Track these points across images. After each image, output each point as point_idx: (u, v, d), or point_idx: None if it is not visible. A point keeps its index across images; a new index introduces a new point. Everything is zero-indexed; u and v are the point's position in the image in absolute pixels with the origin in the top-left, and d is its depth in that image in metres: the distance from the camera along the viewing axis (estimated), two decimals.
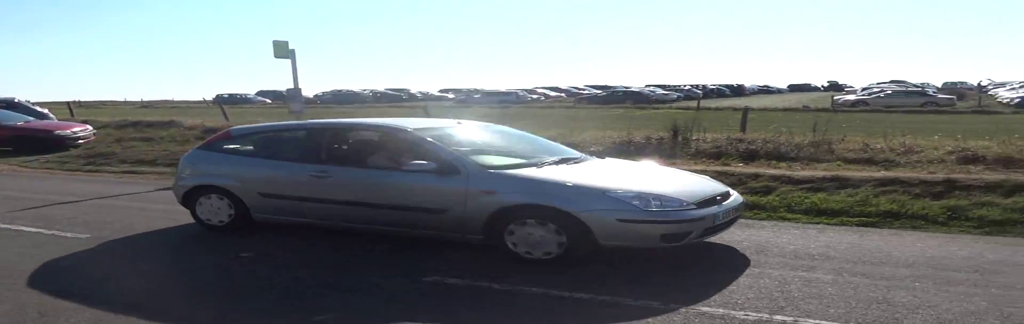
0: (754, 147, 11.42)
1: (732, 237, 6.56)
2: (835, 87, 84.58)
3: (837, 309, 4.49)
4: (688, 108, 35.99)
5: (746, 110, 15.21)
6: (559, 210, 5.35)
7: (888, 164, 10.13)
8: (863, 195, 8.07)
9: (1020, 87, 50.25)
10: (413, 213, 5.93)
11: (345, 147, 6.82)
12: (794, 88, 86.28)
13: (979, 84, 65.39)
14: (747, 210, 7.93)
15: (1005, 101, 40.20)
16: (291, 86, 12.62)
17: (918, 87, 51.74)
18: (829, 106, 37.78)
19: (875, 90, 47.07)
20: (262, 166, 6.80)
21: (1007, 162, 9.82)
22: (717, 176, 9.13)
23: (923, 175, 8.71)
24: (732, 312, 4.46)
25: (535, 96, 58.40)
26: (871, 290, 4.89)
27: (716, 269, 5.55)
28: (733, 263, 5.71)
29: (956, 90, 54.03)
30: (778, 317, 4.36)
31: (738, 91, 68.40)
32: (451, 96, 65.17)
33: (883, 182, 8.46)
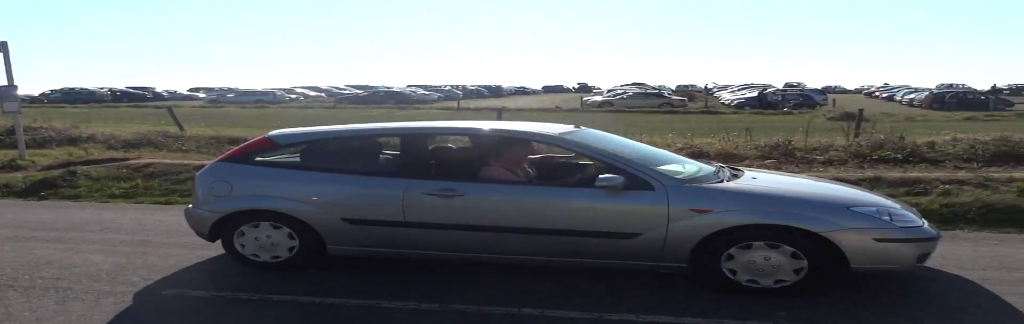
0: None
1: None
2: (584, 89, 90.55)
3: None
4: (449, 108, 36.72)
5: (501, 111, 15.77)
6: (801, 230, 4.47)
7: None
8: None
9: (739, 90, 56.76)
10: (589, 239, 4.79)
11: (462, 158, 5.66)
12: (548, 89, 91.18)
13: (706, 87, 72.86)
14: None
15: (727, 102, 45.27)
16: (3, 82, 11.22)
17: (656, 89, 56.60)
18: (579, 106, 40.33)
19: (619, 92, 50.84)
20: (346, 183, 5.24)
21: (726, 157, 11.02)
22: None
23: None
24: None
25: (293, 96, 56.68)
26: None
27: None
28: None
29: (687, 92, 59.82)
30: None
31: (496, 92, 71.00)
32: (202, 95, 61.49)
33: None
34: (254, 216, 5.33)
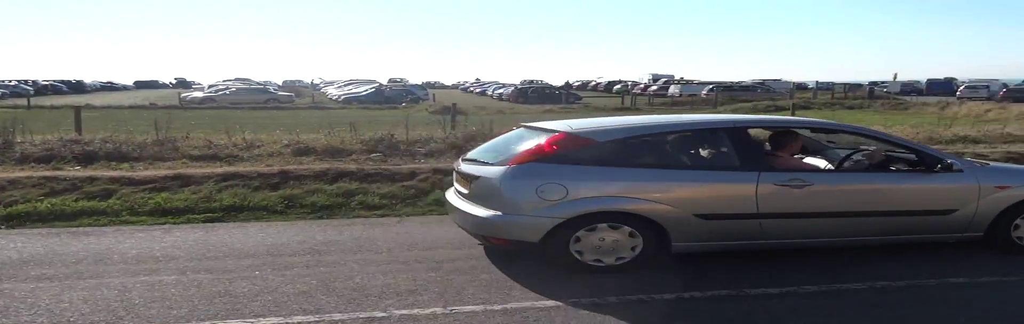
0: (92, 148, 10.58)
1: (67, 249, 5.97)
2: (183, 84, 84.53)
3: (180, 310, 4.42)
4: (17, 106, 31.64)
5: (78, 109, 14.04)
6: None
7: (232, 159, 10.48)
8: (207, 191, 8.17)
9: (345, 85, 57.58)
10: (918, 217, 5.49)
11: (837, 147, 6.56)
12: (141, 85, 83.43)
13: (313, 82, 72.73)
14: (87, 217, 7.33)
15: (334, 97, 45.66)
16: None
17: (261, 85, 54.99)
18: (177, 103, 37.48)
19: (221, 87, 48.41)
20: (695, 179, 5.22)
21: (333, 152, 11.09)
22: (45, 182, 8.22)
23: (261, 168, 9.24)
24: None
25: None
26: (214, 285, 4.96)
27: (21, 289, 4.94)
28: (59, 278, 5.15)
29: (294, 88, 59.13)
30: None
31: (78, 88, 63.00)
32: None
33: (225, 177, 8.69)
34: (592, 219, 5.04)
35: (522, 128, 6.14)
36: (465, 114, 20.90)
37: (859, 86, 56.12)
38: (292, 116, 26.94)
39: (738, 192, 5.19)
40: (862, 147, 6.25)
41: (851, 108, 35.99)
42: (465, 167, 5.73)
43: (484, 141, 6.94)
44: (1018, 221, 5.66)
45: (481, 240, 5.58)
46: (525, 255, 5.55)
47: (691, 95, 47.17)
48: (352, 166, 9.50)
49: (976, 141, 13.48)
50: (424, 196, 8.39)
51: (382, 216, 7.67)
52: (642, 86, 62.72)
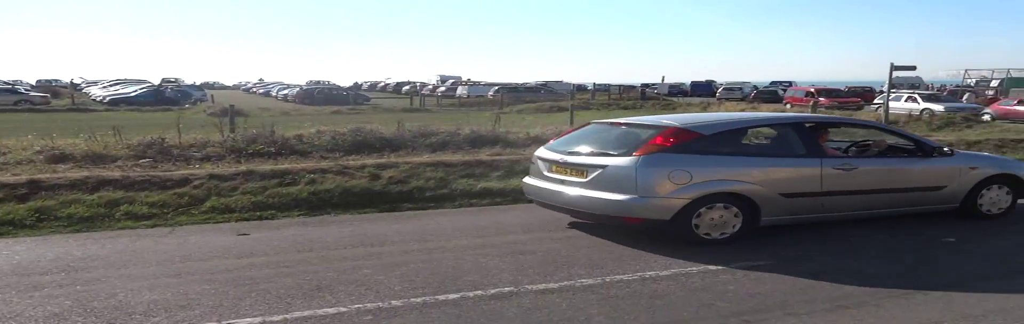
0: None
1: None
2: None
3: None
4: None
5: None
6: (1015, 176, 7.48)
7: None
8: None
9: (111, 85, 52.98)
10: (921, 193, 7.02)
11: (834, 140, 8.04)
12: None
13: (72, 82, 66.20)
14: None
15: (98, 99, 41.83)
16: None
17: (9, 84, 49.22)
18: None
19: None
20: (778, 165, 6.45)
21: (95, 158, 10.16)
22: None
23: (6, 178, 8.26)
24: None
25: None
26: None
27: None
28: None
29: (50, 88, 53.53)
30: None
31: None
32: None
33: None
34: (710, 199, 6.05)
35: (601, 124, 7.32)
36: (246, 116, 19.97)
37: (632, 87, 60.02)
38: (47, 119, 24.41)
39: (808, 174, 6.46)
40: (863, 140, 8.06)
41: (626, 108, 38.43)
42: (576, 159, 6.54)
43: (271, 144, 6.65)
44: (982, 193, 7.35)
45: (603, 220, 6.49)
46: (310, 262, 5.41)
47: (478, 96, 48.16)
48: (116, 173, 8.74)
49: None
50: (200, 203, 7.90)
51: (152, 227, 7.12)
52: (430, 87, 63.19)
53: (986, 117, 26.03)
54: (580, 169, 6.42)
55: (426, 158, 10.48)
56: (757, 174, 6.25)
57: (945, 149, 7.23)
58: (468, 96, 49.93)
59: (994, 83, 44.23)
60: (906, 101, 31.04)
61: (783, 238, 6.45)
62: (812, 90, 38.48)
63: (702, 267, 5.49)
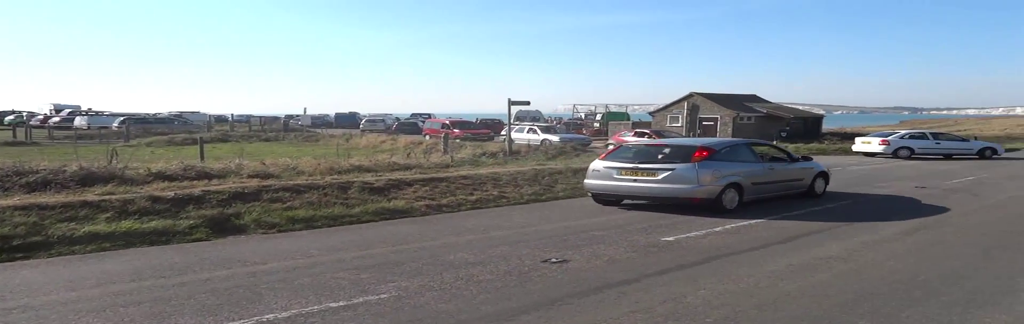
0: None
1: None
2: None
3: None
4: None
5: None
6: (826, 173, 13.42)
7: None
8: None
9: None
10: (795, 181, 12.50)
11: (770, 153, 12.99)
12: None
13: None
14: None
15: None
16: None
17: None
18: None
19: None
20: (751, 167, 11.45)
21: None
22: None
23: None
24: None
25: None
26: None
27: None
28: None
29: None
30: None
31: None
32: None
33: None
34: (729, 186, 10.73)
35: (639, 145, 12.09)
36: None
37: (276, 119, 58.65)
38: None
39: (760, 172, 11.58)
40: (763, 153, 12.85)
41: (268, 140, 37.31)
42: (648, 166, 10.80)
43: None
44: (816, 182, 13.00)
45: (670, 201, 10.78)
46: None
47: (101, 127, 43.44)
48: None
49: (369, 170, 15.11)
50: None
51: None
52: (42, 117, 55.54)
53: (610, 146, 29.91)
54: (652, 172, 10.73)
55: (16, 200, 9.08)
56: (742, 172, 11.12)
57: (801, 158, 13.09)
58: (88, 127, 44.79)
59: (598, 116, 50.93)
60: (528, 133, 34.34)
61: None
62: (447, 122, 40.86)
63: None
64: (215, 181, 11.93)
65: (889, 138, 27.27)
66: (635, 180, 10.72)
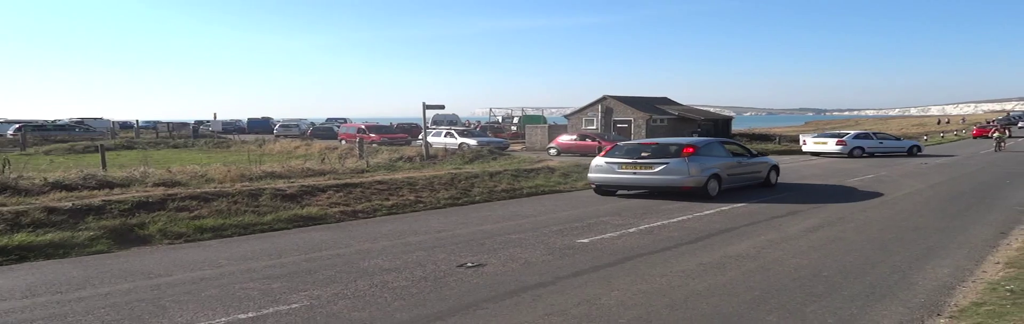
0: None
1: None
2: None
3: None
4: None
5: None
6: (777, 166, 15.90)
7: None
8: None
9: None
10: (755, 174, 14.70)
11: (736, 150, 14.89)
12: None
13: None
14: None
15: None
16: None
17: None
18: None
19: None
20: (727, 161, 13.94)
21: None
22: None
23: None
24: None
25: None
26: None
27: None
28: None
29: None
30: None
31: None
32: None
33: None
34: (711, 176, 12.98)
35: (632, 144, 14.56)
36: None
37: (185, 125, 56.79)
38: None
39: (733, 164, 13.90)
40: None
41: (176, 147, 36.07)
42: (645, 161, 13.09)
43: None
44: (770, 174, 15.13)
45: (665, 190, 13.06)
46: None
47: None
48: None
49: (282, 176, 14.77)
50: None
51: None
52: None
53: (554, 151, 29.82)
54: (649, 165, 13.00)
55: None
56: (719, 165, 13.44)
57: (758, 153, 15.73)
58: None
59: (515, 120, 51.19)
60: (445, 136, 34.17)
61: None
62: (363, 127, 40.38)
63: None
64: (118, 190, 11.46)
65: (845, 138, 28.66)
66: (635, 173, 13.03)
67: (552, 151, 31.61)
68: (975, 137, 49.78)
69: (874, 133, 29.85)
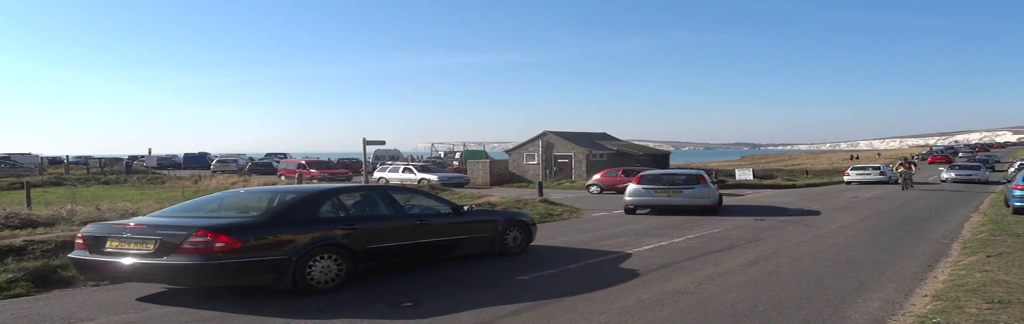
0: None
1: None
2: None
3: None
4: None
5: None
6: (720, 195, 20.24)
7: None
8: None
9: None
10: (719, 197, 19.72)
11: (656, 176, 18.83)
12: None
13: None
14: None
15: None
16: None
17: None
18: None
19: None
20: (646, 190, 17.60)
21: None
22: None
23: None
24: None
25: None
26: None
27: None
28: None
29: None
30: None
31: None
32: None
33: None
34: (720, 197, 18.78)
35: (654, 173, 19.57)
36: None
37: (118, 160, 55.28)
38: None
39: (641, 194, 17.68)
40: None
41: (107, 183, 35.08)
42: (676, 187, 17.30)
43: None
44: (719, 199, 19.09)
45: (695, 209, 17.06)
46: None
47: None
48: None
49: None
50: None
51: None
52: None
53: (595, 189, 27.47)
54: (678, 190, 17.06)
55: None
56: (644, 195, 17.45)
57: (707, 176, 19.18)
58: None
59: (457, 155, 51.22)
60: (404, 172, 33.67)
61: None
62: (303, 162, 39.87)
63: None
64: (41, 230, 11.03)
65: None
66: (669, 196, 17.20)
67: (593, 189, 28.27)
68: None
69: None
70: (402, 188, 12.65)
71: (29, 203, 15.29)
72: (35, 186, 23.89)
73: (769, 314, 6.40)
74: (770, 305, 6.78)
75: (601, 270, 8.96)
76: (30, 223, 11.70)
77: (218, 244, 6.71)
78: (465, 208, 9.64)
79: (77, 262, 7.35)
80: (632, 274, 8.60)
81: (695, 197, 16.91)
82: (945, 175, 38.82)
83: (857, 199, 23.32)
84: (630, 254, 10.36)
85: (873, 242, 11.76)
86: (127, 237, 7.06)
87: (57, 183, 33.14)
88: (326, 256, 7.43)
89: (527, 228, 10.51)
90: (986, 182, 36.12)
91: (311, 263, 7.30)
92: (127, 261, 6.87)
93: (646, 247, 11.11)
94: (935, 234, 12.94)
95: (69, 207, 13.80)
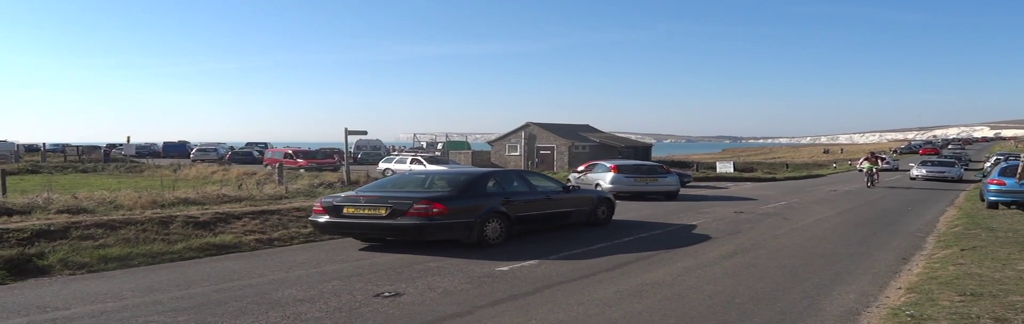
0: None
1: None
2: None
3: None
4: None
5: None
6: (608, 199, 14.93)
7: None
8: None
9: None
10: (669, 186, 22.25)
11: (634, 166, 21.92)
12: None
13: None
14: None
15: None
16: None
17: None
18: None
19: None
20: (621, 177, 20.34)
21: None
22: None
23: None
24: None
25: None
26: None
27: None
28: None
29: None
30: None
31: None
32: None
33: None
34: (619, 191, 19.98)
35: (628, 163, 22.94)
36: None
37: (97, 148, 54.70)
38: None
39: (621, 182, 20.32)
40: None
41: (85, 171, 34.71)
42: (649, 177, 20.58)
43: None
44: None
45: (665, 193, 20.57)
46: None
47: None
48: None
49: (196, 203, 14.30)
50: None
51: None
52: None
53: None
54: (655, 178, 20.53)
55: None
56: (620, 182, 20.19)
57: (672, 172, 22.12)
58: None
59: (439, 145, 51.07)
60: (411, 163, 32.14)
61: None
62: (290, 151, 39.59)
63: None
64: (16, 218, 10.89)
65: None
66: (647, 183, 20.13)
67: (611, 166, 26.96)
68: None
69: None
70: (529, 171, 14.49)
71: (4, 191, 15.10)
72: (10, 174, 23.47)
73: (746, 306, 6.45)
74: (747, 297, 6.84)
75: (581, 261, 9.00)
76: (5, 211, 11.55)
77: (434, 209, 9.38)
78: (570, 187, 12.26)
79: (319, 224, 10.01)
80: (610, 265, 8.64)
81: (667, 184, 20.57)
82: (915, 172, 34.74)
83: (835, 192, 23.56)
84: (609, 246, 10.40)
85: (849, 235, 11.88)
86: (362, 204, 9.70)
87: (33, 171, 32.77)
88: (494, 220, 10.06)
89: (611, 204, 13.44)
90: (959, 180, 33.05)
91: (486, 225, 9.89)
92: (365, 221, 9.58)
93: (625, 239, 11.16)
94: (911, 227, 13.09)
95: (45, 195, 13.63)
